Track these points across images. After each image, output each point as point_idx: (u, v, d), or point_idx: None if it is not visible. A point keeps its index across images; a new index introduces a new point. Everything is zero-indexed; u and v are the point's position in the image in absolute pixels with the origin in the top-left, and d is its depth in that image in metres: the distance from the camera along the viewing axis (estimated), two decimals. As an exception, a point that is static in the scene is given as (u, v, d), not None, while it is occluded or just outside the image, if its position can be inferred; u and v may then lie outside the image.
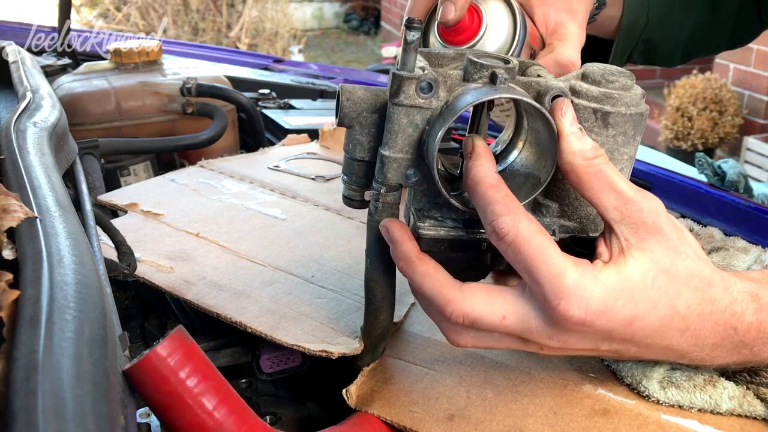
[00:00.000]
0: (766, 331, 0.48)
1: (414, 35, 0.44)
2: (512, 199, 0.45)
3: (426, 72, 0.46)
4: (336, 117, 0.51)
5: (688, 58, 0.88)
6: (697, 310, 0.46)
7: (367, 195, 0.52)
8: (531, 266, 0.44)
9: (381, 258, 0.53)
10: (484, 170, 0.46)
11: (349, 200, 0.54)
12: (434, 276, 0.47)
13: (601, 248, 0.47)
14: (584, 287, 0.43)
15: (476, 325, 0.46)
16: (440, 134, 0.45)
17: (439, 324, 0.50)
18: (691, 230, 0.80)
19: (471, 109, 0.49)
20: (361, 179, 0.53)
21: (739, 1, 0.84)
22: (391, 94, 0.47)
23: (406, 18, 0.45)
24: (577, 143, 0.45)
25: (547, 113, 0.46)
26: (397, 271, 0.55)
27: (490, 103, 0.50)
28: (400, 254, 0.49)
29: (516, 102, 0.50)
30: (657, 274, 0.45)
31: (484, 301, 0.46)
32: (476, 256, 0.51)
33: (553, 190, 0.51)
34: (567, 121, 0.46)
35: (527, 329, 0.46)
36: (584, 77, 0.49)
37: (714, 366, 0.50)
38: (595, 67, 0.49)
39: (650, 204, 0.45)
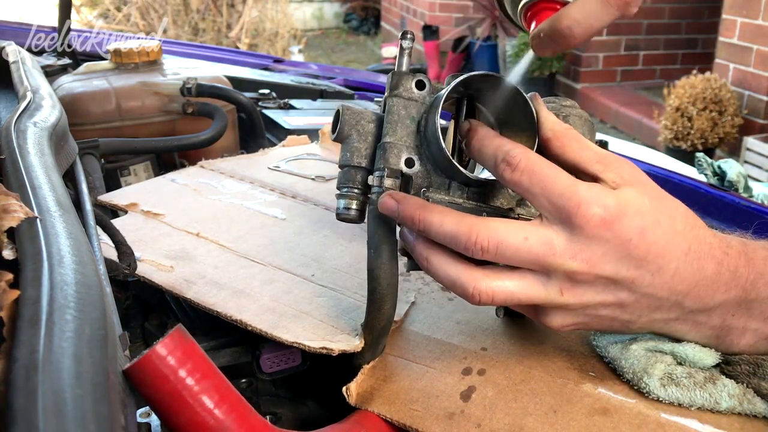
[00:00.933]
0: (754, 260, 0.51)
1: (408, 44, 0.55)
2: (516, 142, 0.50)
3: (420, 73, 0.55)
4: (334, 131, 0.55)
5: None
6: (692, 232, 0.50)
7: (371, 179, 0.54)
8: (547, 183, 0.48)
9: (385, 244, 0.54)
10: (485, 130, 0.52)
11: (346, 211, 0.55)
12: (452, 212, 0.50)
13: None
14: (598, 193, 0.48)
15: (500, 248, 0.48)
16: (438, 112, 0.51)
17: (458, 277, 0.50)
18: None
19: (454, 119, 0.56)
20: (360, 185, 0.55)
21: None
22: (390, 89, 0.54)
23: (402, 32, 0.56)
24: (553, 116, 0.52)
25: (525, 95, 0.52)
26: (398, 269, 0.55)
27: (471, 107, 0.56)
28: (414, 203, 0.51)
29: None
30: (651, 198, 0.49)
31: (506, 225, 0.49)
32: None
33: None
34: (540, 103, 0.53)
35: (550, 251, 0.48)
36: None
37: (714, 306, 0.51)
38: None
39: (624, 160, 0.51)
